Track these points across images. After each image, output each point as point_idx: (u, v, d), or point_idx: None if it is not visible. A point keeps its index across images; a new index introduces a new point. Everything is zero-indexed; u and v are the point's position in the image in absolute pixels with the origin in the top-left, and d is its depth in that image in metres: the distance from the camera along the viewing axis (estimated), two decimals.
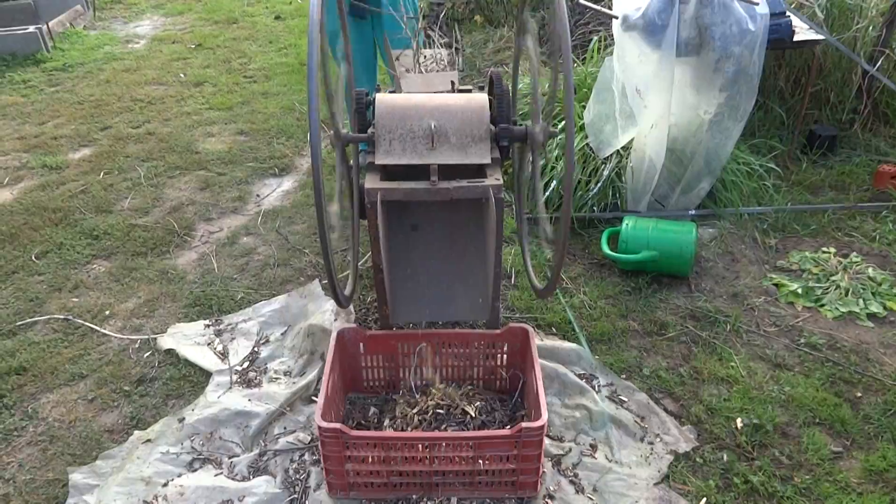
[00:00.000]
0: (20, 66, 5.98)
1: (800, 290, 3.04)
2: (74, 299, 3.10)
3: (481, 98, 2.26)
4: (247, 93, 5.40)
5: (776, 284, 3.11)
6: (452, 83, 2.59)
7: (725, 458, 2.30)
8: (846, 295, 2.99)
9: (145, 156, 4.41)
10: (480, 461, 2.06)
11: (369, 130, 2.26)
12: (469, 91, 2.50)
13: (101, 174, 4.19)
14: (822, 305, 2.97)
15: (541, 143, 2.19)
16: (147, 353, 2.77)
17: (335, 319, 2.78)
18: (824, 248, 3.30)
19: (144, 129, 4.79)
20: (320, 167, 1.76)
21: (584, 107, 3.56)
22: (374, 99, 2.24)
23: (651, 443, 2.36)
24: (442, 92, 2.52)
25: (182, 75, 5.79)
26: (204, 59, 6.17)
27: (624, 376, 2.63)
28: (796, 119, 4.00)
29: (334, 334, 2.34)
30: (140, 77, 5.76)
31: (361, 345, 2.42)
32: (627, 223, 3.16)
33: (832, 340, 2.77)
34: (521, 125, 2.30)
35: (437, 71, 2.92)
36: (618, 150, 3.51)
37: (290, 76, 5.69)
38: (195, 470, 2.28)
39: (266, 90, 5.43)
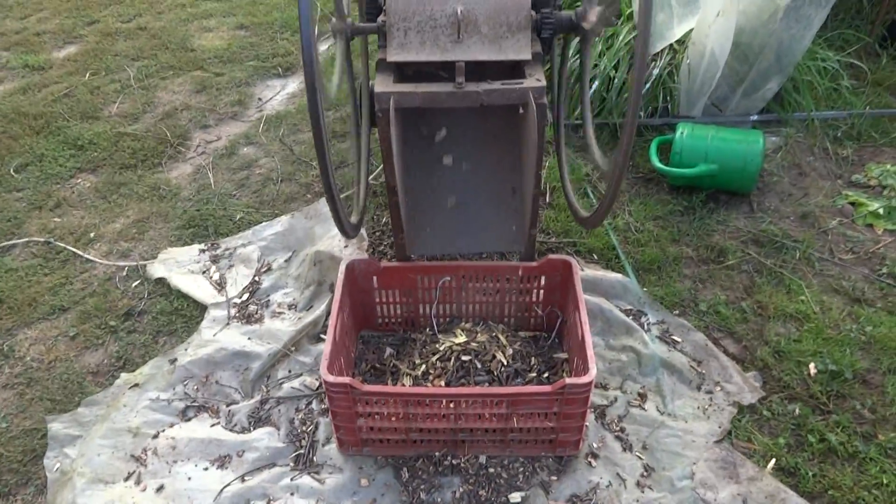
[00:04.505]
0: None
1: (881, 210, 2.62)
2: (56, 219, 2.77)
3: None
4: None
5: (852, 203, 2.69)
6: None
7: (797, 411, 1.98)
8: None
9: (135, 54, 3.98)
10: (514, 419, 1.76)
11: (379, 19, 1.83)
12: None
13: (87, 75, 3.77)
14: None
15: (596, 32, 1.75)
16: (135, 283, 2.47)
17: (345, 245, 2.44)
18: None
19: (135, 24, 4.34)
20: (315, 53, 1.36)
21: None
22: None
23: (710, 392, 2.04)
24: None
25: None
26: None
27: (677, 312, 2.28)
28: (877, 7, 3.42)
29: (343, 267, 1.99)
30: None
31: (374, 278, 2.08)
32: (682, 131, 2.72)
33: None
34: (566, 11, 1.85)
35: None
36: (671, 45, 3.01)
37: None
38: (189, 419, 2.01)
39: None
